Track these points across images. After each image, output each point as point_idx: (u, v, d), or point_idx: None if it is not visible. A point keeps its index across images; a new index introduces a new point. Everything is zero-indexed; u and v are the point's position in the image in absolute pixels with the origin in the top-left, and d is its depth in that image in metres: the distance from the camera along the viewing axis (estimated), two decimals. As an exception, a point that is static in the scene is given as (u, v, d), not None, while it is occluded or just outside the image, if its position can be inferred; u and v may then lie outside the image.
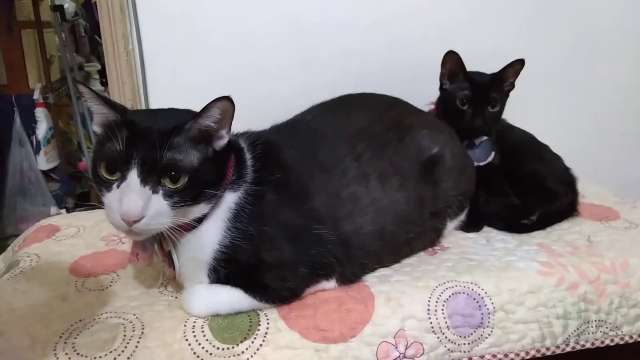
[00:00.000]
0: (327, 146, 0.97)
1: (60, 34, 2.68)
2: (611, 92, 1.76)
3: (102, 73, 3.00)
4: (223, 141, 0.81)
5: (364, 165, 0.97)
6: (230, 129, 0.81)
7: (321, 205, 0.91)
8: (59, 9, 2.62)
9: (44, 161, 2.60)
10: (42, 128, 2.59)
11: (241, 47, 1.44)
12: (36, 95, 2.55)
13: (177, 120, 0.77)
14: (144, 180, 0.73)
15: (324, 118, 1.04)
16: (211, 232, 0.83)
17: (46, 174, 2.64)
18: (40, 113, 2.57)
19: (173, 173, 0.75)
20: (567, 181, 1.27)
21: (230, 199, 0.84)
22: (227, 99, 0.75)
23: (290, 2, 1.47)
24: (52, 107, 2.62)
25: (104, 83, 2.96)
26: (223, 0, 1.41)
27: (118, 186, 0.74)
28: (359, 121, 1.02)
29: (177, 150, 0.75)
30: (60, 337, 0.79)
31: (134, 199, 0.72)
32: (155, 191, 0.74)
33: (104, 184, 0.76)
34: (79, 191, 2.88)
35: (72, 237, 1.15)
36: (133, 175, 0.73)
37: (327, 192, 0.93)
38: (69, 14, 2.92)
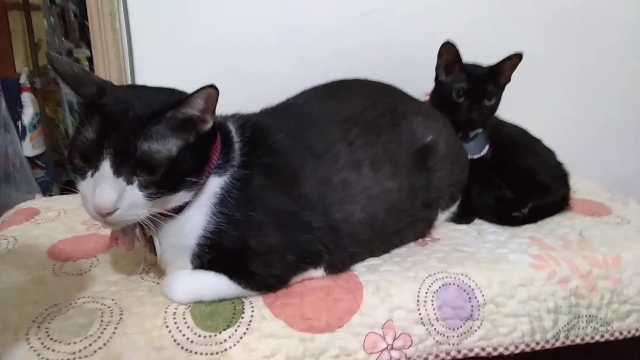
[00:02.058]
0: (319, 131, 0.94)
1: (49, 17, 2.61)
2: (605, 90, 1.75)
3: (92, 60, 2.93)
4: (207, 125, 0.77)
5: (357, 152, 0.94)
6: (214, 112, 0.77)
7: (311, 191, 0.88)
8: (48, -10, 2.55)
9: (30, 147, 2.54)
10: (29, 113, 2.53)
11: (233, 30, 1.40)
12: (23, 79, 2.49)
13: (157, 104, 0.73)
14: (117, 172, 0.69)
15: (316, 102, 1.01)
16: (195, 218, 0.80)
17: (32, 160, 2.58)
18: (26, 98, 2.51)
19: (149, 164, 0.71)
20: (559, 175, 1.25)
21: (215, 184, 0.81)
22: (212, 87, 0.71)
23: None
24: (39, 92, 2.56)
25: (94, 70, 2.90)
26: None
27: (92, 175, 0.71)
28: (352, 106, 0.99)
29: (154, 139, 0.71)
30: (34, 321, 0.75)
31: (107, 190, 0.69)
32: (129, 182, 0.71)
33: (79, 171, 0.72)
34: (65, 179, 2.81)
35: (52, 220, 1.11)
36: (106, 166, 0.69)
37: (318, 177, 0.90)
38: (58, -2, 2.86)
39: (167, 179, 0.73)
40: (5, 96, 2.46)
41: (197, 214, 0.80)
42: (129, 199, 0.71)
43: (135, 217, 0.73)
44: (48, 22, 2.63)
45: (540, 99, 1.67)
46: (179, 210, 0.79)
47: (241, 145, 0.85)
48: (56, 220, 1.11)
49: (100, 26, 1.24)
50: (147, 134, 0.71)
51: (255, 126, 0.89)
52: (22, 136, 2.52)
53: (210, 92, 0.72)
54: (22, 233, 1.04)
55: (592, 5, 1.66)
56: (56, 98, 2.88)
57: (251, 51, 1.42)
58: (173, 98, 0.74)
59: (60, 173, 2.80)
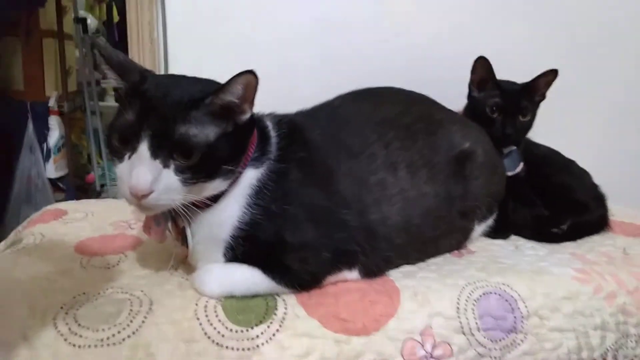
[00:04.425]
0: (355, 131, 0.93)
1: (81, 46, 2.70)
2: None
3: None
4: (246, 115, 0.77)
5: (393, 154, 0.92)
6: (253, 102, 0.77)
7: (347, 189, 0.87)
8: (81, 21, 2.66)
9: (53, 169, 2.56)
10: (54, 136, 2.57)
11: (266, 43, 1.42)
12: (51, 102, 2.55)
13: (196, 91, 0.73)
14: (154, 154, 0.69)
15: (351, 104, 1.00)
16: (231, 208, 0.78)
17: (53, 183, 2.60)
18: (53, 121, 2.56)
19: (185, 148, 0.71)
20: (596, 195, 1.22)
21: (251, 175, 0.80)
22: (251, 72, 0.71)
23: (316, 1, 1.47)
24: (66, 116, 2.61)
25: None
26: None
27: (129, 157, 0.71)
28: (387, 111, 0.99)
29: (192, 124, 0.71)
30: (62, 307, 0.73)
31: (143, 172, 0.69)
32: (166, 165, 0.70)
33: (117, 154, 0.73)
34: (85, 204, 2.82)
35: (79, 220, 1.09)
36: (143, 148, 0.69)
37: (354, 176, 0.88)
38: (91, 30, 2.97)
39: (203, 165, 0.72)
40: (33, 118, 2.51)
41: (232, 205, 0.78)
42: (165, 182, 0.70)
43: (170, 202, 0.72)
44: (80, 52, 2.73)
45: (573, 127, 1.65)
46: (214, 200, 0.77)
47: (278, 140, 0.85)
48: (84, 220, 1.10)
49: (138, 35, 1.27)
50: (186, 118, 0.71)
51: (292, 123, 0.89)
52: (47, 158, 2.55)
53: (249, 79, 0.72)
54: (50, 230, 1.02)
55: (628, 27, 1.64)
56: (81, 125, 2.94)
57: (286, 69, 1.43)
58: (212, 87, 0.74)
59: (80, 197, 2.81)
